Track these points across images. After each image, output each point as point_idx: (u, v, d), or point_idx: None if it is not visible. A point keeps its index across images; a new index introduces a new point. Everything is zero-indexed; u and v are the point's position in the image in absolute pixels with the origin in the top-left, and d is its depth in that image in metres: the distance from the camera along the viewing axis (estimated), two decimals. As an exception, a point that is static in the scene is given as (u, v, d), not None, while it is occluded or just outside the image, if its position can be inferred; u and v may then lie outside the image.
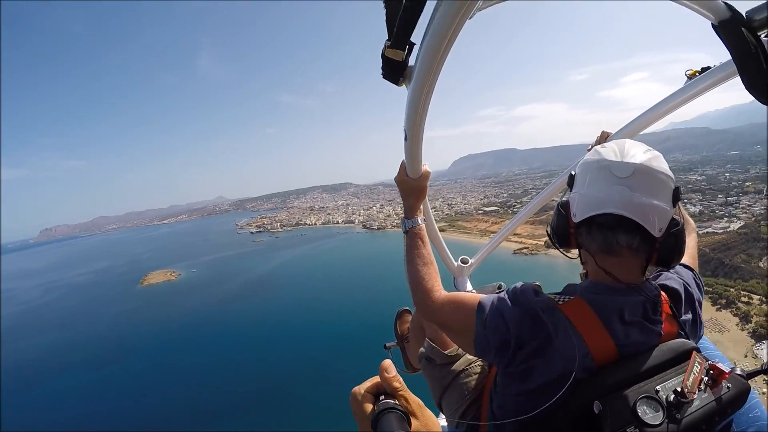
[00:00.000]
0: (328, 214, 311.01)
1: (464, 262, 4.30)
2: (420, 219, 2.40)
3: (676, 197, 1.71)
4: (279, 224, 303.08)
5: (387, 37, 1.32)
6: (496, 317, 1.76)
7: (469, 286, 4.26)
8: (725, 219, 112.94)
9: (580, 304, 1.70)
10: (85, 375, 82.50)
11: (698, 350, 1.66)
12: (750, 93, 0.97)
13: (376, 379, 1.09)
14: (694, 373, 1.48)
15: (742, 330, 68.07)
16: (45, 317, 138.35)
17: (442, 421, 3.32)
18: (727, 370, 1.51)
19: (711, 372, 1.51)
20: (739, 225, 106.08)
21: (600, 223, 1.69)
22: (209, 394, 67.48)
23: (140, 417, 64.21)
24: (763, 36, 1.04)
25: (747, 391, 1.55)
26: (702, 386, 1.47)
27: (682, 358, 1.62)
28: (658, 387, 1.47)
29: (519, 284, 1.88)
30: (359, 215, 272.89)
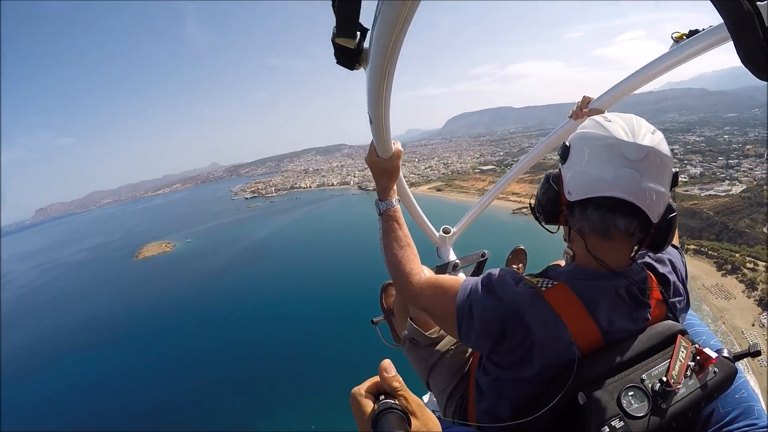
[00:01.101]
0: (323, 176, 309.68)
1: (446, 231, 4.21)
2: (395, 200, 2.32)
3: (674, 182, 1.66)
4: (273, 189, 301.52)
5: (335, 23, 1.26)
6: (476, 308, 1.72)
7: (452, 256, 4.17)
8: (727, 182, 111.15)
9: (564, 290, 1.66)
10: (82, 358, 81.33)
11: (685, 332, 1.65)
12: (746, 67, 0.89)
13: (376, 379, 1.08)
14: (680, 360, 1.47)
15: (749, 297, 66.55)
16: (42, 300, 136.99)
17: (428, 397, 3.79)
18: (713, 356, 1.49)
19: (697, 357, 1.50)
20: (742, 189, 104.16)
21: (598, 204, 1.61)
22: (207, 373, 66.21)
23: (138, 399, 63.15)
24: (759, 1, 0.92)
25: (734, 374, 1.55)
26: (688, 372, 1.46)
27: (669, 341, 1.60)
28: (643, 375, 1.46)
29: (497, 271, 1.81)
30: (354, 176, 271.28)
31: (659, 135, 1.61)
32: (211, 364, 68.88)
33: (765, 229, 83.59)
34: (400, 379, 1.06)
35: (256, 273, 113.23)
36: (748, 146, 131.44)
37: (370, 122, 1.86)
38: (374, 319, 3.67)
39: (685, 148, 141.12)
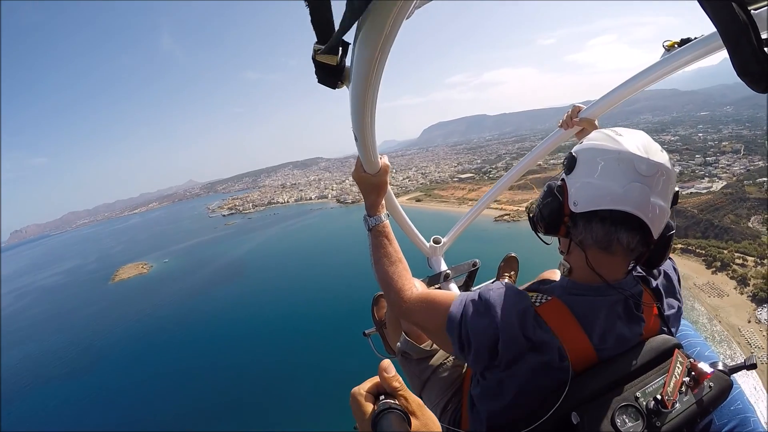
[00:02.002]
0: (301, 190, 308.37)
1: (436, 242, 4.25)
2: (383, 215, 2.31)
3: (675, 200, 1.67)
4: (251, 205, 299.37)
5: (316, 40, 1.21)
6: (469, 325, 1.70)
7: (443, 266, 4.21)
8: (706, 179, 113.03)
9: (558, 305, 1.66)
10: (59, 388, 79.41)
11: (680, 346, 1.65)
12: (742, 79, 0.88)
13: (376, 379, 1.09)
14: (676, 376, 1.46)
15: (741, 293, 67.03)
16: (16, 327, 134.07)
17: None
18: (709, 371, 1.49)
19: (692, 373, 1.50)
20: (722, 185, 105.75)
21: (603, 217, 1.60)
22: (189, 398, 65.05)
23: (114, 427, 62.26)
24: (753, 10, 0.92)
25: (729, 387, 1.55)
26: (683, 389, 1.46)
27: (664, 356, 1.59)
28: (638, 393, 1.44)
29: (490, 286, 1.79)
30: (332, 189, 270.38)
31: (666, 153, 1.62)
32: (192, 388, 67.71)
33: (750, 224, 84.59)
34: (400, 379, 1.06)
35: (235, 292, 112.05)
36: (724, 143, 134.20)
37: (356, 139, 1.85)
38: (366, 331, 3.82)
39: (662, 148, 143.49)
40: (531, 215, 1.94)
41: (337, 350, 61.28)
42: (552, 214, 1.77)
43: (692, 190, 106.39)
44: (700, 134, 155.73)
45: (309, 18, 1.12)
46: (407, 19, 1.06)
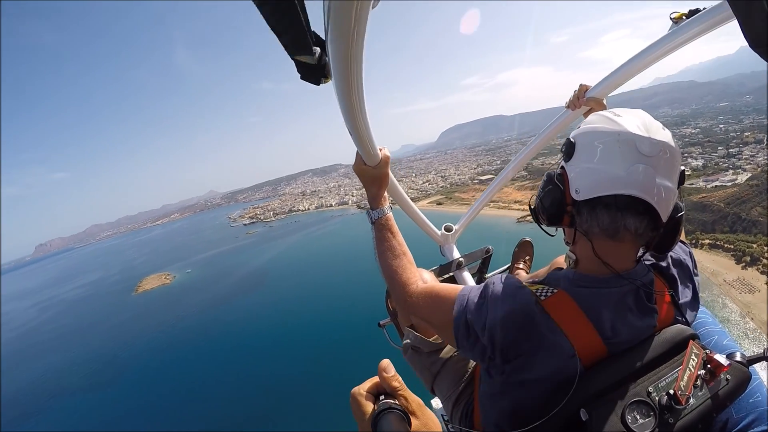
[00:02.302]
0: (321, 197, 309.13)
1: (448, 230, 4.23)
2: (387, 208, 2.29)
3: (681, 180, 1.59)
4: (272, 213, 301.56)
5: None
6: (473, 321, 1.66)
7: (456, 253, 4.18)
8: (731, 171, 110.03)
9: (564, 298, 1.58)
10: (82, 400, 78.94)
11: (696, 337, 1.59)
12: (755, 50, 0.81)
13: (376, 379, 1.08)
14: (690, 369, 1.39)
15: None
16: (40, 339, 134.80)
17: (437, 402, 3.81)
18: (725, 363, 1.41)
19: (708, 365, 1.42)
20: (747, 177, 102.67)
21: (607, 203, 1.52)
22: (211, 410, 64.05)
23: None
24: None
25: (747, 379, 1.48)
26: (698, 382, 1.39)
27: (678, 348, 1.52)
28: (650, 388, 1.38)
29: (495, 280, 1.72)
30: (352, 196, 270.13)
31: (668, 131, 1.54)
32: (215, 400, 66.64)
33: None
34: (400, 378, 1.06)
35: (257, 301, 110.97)
36: (746, 133, 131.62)
37: (350, 133, 1.83)
38: (381, 322, 3.73)
39: (683, 141, 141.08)
40: (532, 207, 1.86)
41: (361, 359, 58.42)
42: (553, 204, 1.70)
43: (717, 183, 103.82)
44: (721, 126, 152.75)
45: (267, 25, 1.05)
46: (373, 8, 1.03)
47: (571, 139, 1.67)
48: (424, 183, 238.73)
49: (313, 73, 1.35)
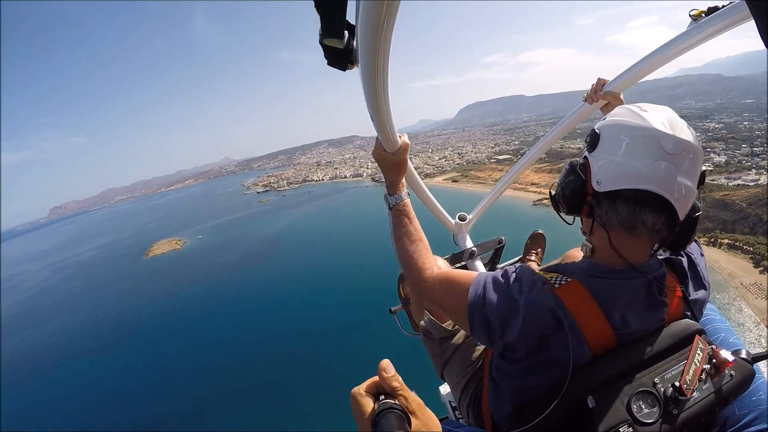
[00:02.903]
0: (335, 168, 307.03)
1: (462, 219, 4.32)
2: (404, 194, 2.32)
3: (702, 180, 1.62)
4: (285, 182, 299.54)
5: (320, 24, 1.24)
6: (487, 306, 1.70)
7: (468, 242, 4.31)
8: (754, 171, 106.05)
9: (577, 287, 1.63)
10: (88, 362, 78.76)
11: (703, 332, 1.62)
12: None
13: (376, 378, 1.08)
14: (696, 363, 1.44)
15: None
16: (50, 301, 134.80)
17: (447, 388, 3.89)
18: (730, 359, 1.46)
19: (714, 360, 1.47)
20: None
21: (627, 197, 1.55)
22: (218, 376, 63.15)
23: (145, 403, 60.83)
24: None
25: (751, 377, 1.52)
26: (703, 376, 1.43)
27: (686, 342, 1.57)
28: (656, 379, 1.43)
29: (509, 269, 1.80)
30: (367, 168, 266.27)
31: (693, 130, 1.57)
32: (222, 365, 66.07)
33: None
34: (400, 378, 1.06)
35: (266, 270, 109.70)
36: None
37: (372, 119, 1.86)
38: (392, 309, 3.83)
39: (706, 135, 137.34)
40: (553, 194, 1.90)
41: (369, 333, 58.86)
42: (574, 193, 1.72)
43: (739, 181, 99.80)
44: (746, 122, 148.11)
45: (313, 3, 1.12)
46: None
47: (596, 130, 1.69)
48: (440, 159, 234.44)
49: (341, 58, 1.37)
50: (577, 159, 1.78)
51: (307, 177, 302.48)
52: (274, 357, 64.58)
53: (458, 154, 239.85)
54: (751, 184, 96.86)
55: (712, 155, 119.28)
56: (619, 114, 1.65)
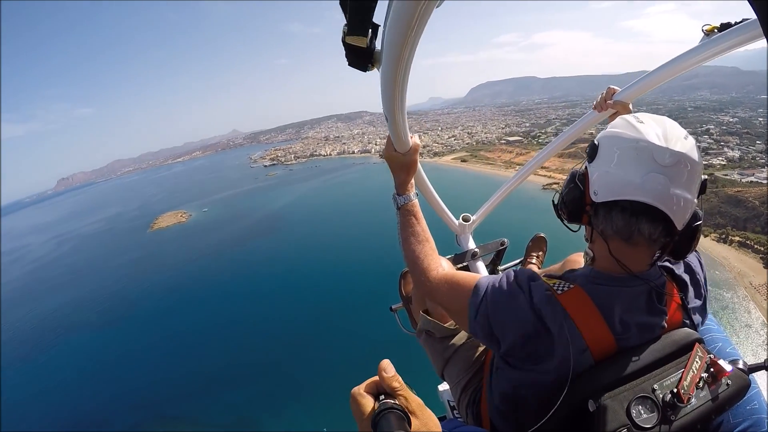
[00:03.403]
0: (344, 143, 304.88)
1: (465, 220, 4.26)
2: (413, 194, 2.36)
3: (702, 189, 1.64)
4: (293, 156, 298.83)
5: (345, 22, 1.23)
6: (489, 309, 1.75)
7: (471, 244, 4.25)
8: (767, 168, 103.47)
9: (579, 294, 1.66)
10: (91, 337, 78.37)
11: (701, 341, 1.65)
12: None
13: (376, 378, 1.09)
14: (693, 371, 1.47)
15: None
16: (54, 274, 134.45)
17: (445, 387, 3.91)
18: (728, 368, 1.49)
19: (711, 369, 1.50)
20: None
21: (623, 207, 1.59)
22: (219, 354, 62.75)
23: (145, 379, 60.40)
24: None
25: (747, 386, 1.55)
26: (700, 384, 1.47)
27: (684, 350, 1.60)
28: (655, 385, 1.46)
29: (513, 273, 1.84)
30: (375, 144, 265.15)
31: (691, 141, 1.58)
32: (221, 344, 65.66)
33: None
34: (400, 378, 1.06)
35: (271, 246, 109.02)
36: None
37: (387, 120, 1.88)
38: (393, 306, 3.86)
39: (720, 129, 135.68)
40: (555, 203, 1.95)
41: (369, 316, 57.82)
42: (573, 203, 1.79)
43: (752, 178, 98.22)
44: (761, 119, 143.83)
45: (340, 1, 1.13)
46: (437, 7, 1.08)
47: (595, 142, 1.74)
48: (449, 138, 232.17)
49: (362, 58, 1.38)
50: (578, 169, 1.83)
51: (315, 151, 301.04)
52: (273, 338, 64.12)
53: (468, 133, 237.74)
54: (764, 181, 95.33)
55: (726, 149, 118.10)
56: (616, 125, 1.69)
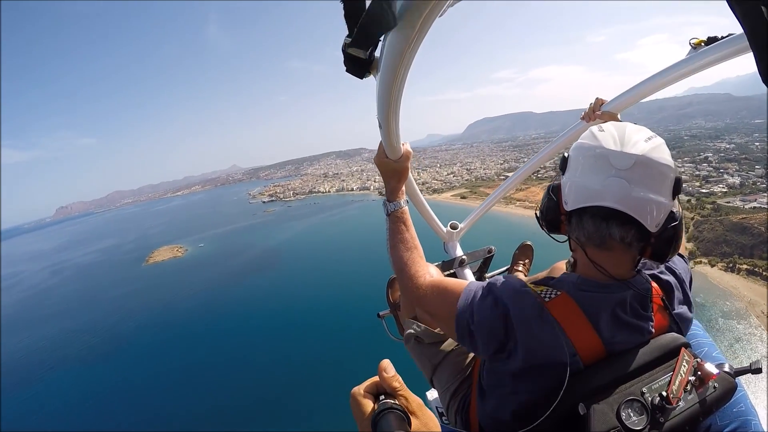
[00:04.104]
0: (342, 180, 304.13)
1: (453, 227, 4.40)
2: (403, 201, 2.38)
3: (676, 189, 1.64)
4: (292, 192, 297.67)
5: (347, 33, 1.26)
6: (477, 315, 1.76)
7: (459, 251, 4.38)
8: None
9: (566, 301, 1.68)
10: (77, 374, 76.25)
11: (688, 346, 1.67)
12: (766, 84, 0.81)
13: (376, 379, 1.09)
14: (681, 375, 1.49)
15: None
16: (47, 303, 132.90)
17: (434, 394, 3.97)
18: (714, 372, 1.52)
19: (698, 372, 1.52)
20: None
21: (593, 214, 1.63)
22: (212, 392, 61.20)
23: (136, 417, 58.64)
24: None
25: (733, 389, 1.58)
26: (688, 387, 1.49)
27: (672, 354, 1.62)
28: (644, 389, 1.48)
29: (500, 279, 1.85)
30: (374, 181, 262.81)
31: (656, 142, 1.60)
32: (216, 382, 63.81)
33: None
34: (400, 378, 1.07)
35: (267, 283, 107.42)
36: None
37: (380, 126, 1.91)
38: (380, 313, 3.96)
39: (719, 156, 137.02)
40: (536, 215, 1.99)
41: (368, 351, 55.15)
42: (549, 214, 1.85)
43: (755, 204, 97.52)
44: (757, 143, 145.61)
45: (342, 12, 1.16)
46: (440, 17, 1.10)
47: (566, 154, 1.80)
48: (448, 174, 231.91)
49: (360, 66, 1.41)
50: (554, 181, 1.89)
51: (314, 188, 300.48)
52: (268, 376, 62.60)
53: (467, 170, 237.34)
54: (766, 206, 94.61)
55: (725, 176, 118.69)
56: (583, 136, 1.74)
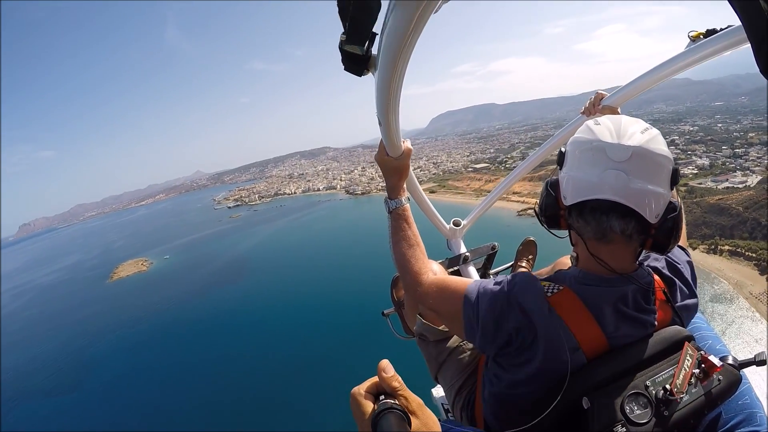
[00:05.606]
0: (308, 180, 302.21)
1: (456, 224, 4.42)
2: (404, 199, 2.38)
3: (674, 179, 1.67)
4: (257, 196, 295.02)
5: (342, 30, 1.28)
6: (482, 312, 1.77)
7: (462, 248, 4.38)
8: (740, 172, 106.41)
9: (569, 295, 1.69)
10: (42, 405, 72.81)
11: (692, 338, 1.68)
12: (765, 76, 0.81)
13: (376, 379, 1.09)
14: (685, 368, 1.49)
15: None
16: (8, 331, 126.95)
17: (439, 391, 4.08)
18: (718, 364, 1.51)
19: (702, 365, 1.52)
20: (758, 179, 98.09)
21: (593, 207, 1.64)
22: (189, 411, 59.53)
23: None
24: None
25: (738, 381, 1.57)
26: (692, 380, 1.48)
27: (675, 347, 1.62)
28: (648, 382, 1.48)
29: (504, 275, 1.89)
30: (341, 180, 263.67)
31: (651, 133, 1.62)
32: (192, 400, 61.89)
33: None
34: (400, 378, 1.07)
35: (235, 295, 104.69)
36: (750, 134, 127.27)
37: (380, 124, 1.92)
38: (385, 311, 3.98)
39: (684, 139, 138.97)
40: (535, 211, 1.99)
41: (349, 349, 57.09)
42: (549, 209, 1.85)
43: (727, 184, 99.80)
44: (720, 125, 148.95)
45: (337, 9, 1.17)
46: (435, 13, 1.10)
47: (563, 149, 1.82)
48: (415, 169, 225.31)
49: (358, 64, 1.41)
50: (551, 177, 1.89)
51: (279, 190, 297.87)
52: (266, 379, 62.08)
53: (433, 163, 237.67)
54: (740, 186, 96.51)
55: (694, 158, 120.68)
56: (579, 131, 1.75)
